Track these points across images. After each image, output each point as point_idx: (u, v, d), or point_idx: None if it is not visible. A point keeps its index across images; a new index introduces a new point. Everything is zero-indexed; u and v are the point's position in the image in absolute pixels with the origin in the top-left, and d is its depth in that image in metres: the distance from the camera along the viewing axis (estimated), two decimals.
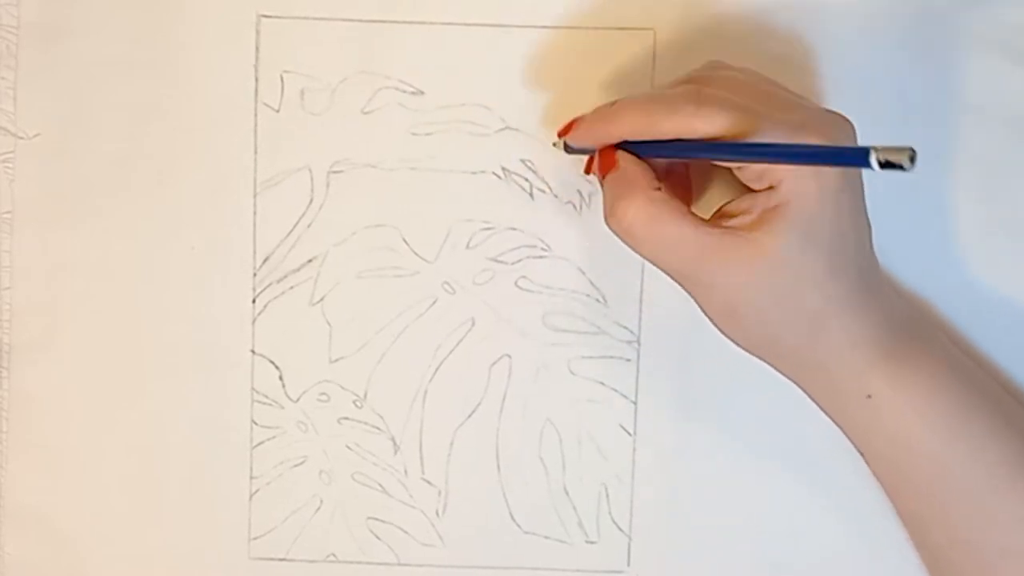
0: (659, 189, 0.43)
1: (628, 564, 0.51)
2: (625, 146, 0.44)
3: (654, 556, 0.51)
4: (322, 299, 0.51)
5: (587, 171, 0.48)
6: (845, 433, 0.47)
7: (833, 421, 0.47)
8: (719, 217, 0.44)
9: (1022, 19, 0.49)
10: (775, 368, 0.46)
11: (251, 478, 0.51)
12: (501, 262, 0.50)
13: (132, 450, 0.52)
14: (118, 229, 0.51)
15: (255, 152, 0.51)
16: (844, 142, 0.43)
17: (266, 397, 0.51)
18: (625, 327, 0.50)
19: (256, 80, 0.50)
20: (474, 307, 0.51)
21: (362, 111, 0.50)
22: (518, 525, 0.51)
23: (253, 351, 0.51)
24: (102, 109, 0.50)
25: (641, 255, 0.44)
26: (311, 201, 0.51)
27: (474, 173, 0.50)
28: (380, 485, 0.52)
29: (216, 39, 0.50)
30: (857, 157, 0.37)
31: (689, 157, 0.45)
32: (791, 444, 0.51)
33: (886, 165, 0.36)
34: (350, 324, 0.51)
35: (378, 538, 0.52)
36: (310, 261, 0.51)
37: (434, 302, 0.51)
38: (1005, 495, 0.45)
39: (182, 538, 0.52)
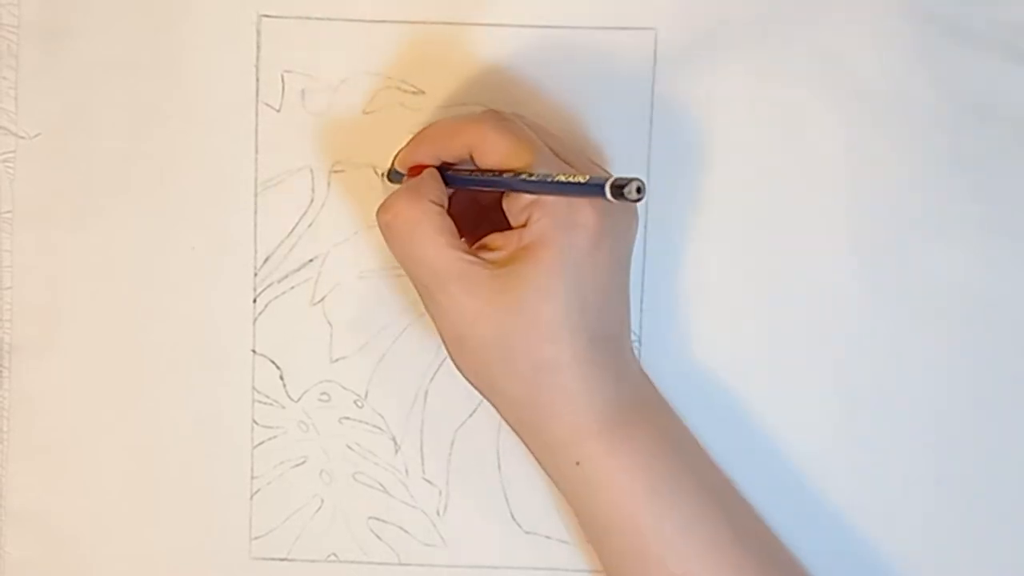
0: (437, 204, 0.44)
1: None
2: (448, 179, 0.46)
3: None
4: (323, 299, 0.51)
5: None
6: (561, 492, 0.46)
7: (550, 479, 0.46)
8: (479, 248, 0.44)
9: (1022, 19, 0.49)
10: (498, 411, 0.46)
11: (252, 478, 0.51)
12: None
13: (132, 450, 0.52)
14: (118, 229, 0.51)
15: (256, 152, 0.51)
16: (619, 221, 0.44)
17: (267, 397, 0.51)
18: None
19: (257, 80, 0.50)
20: None
21: (363, 111, 0.50)
22: (518, 525, 0.51)
23: (254, 351, 0.51)
24: (103, 109, 0.50)
25: (395, 256, 0.44)
26: (312, 201, 0.51)
27: None
28: (381, 485, 0.52)
29: (217, 39, 0.50)
30: (593, 187, 0.39)
31: (469, 186, 0.45)
32: (791, 444, 0.51)
33: (616, 194, 0.38)
34: (351, 324, 0.51)
35: (379, 538, 0.52)
36: (311, 261, 0.51)
37: None
38: (706, 574, 0.44)
39: (182, 538, 0.52)
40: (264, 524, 0.52)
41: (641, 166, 0.50)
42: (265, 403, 0.51)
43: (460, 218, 0.45)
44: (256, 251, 0.51)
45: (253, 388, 0.51)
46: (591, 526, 0.46)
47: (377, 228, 0.50)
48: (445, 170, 0.46)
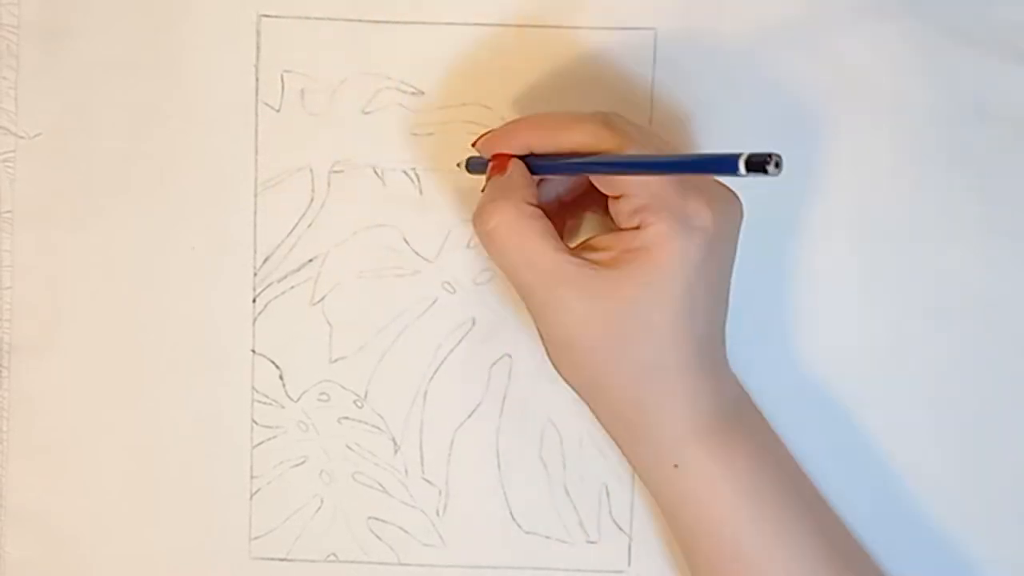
0: (534, 204, 0.43)
1: (629, 564, 0.51)
2: (535, 165, 0.45)
3: (655, 556, 0.51)
4: (323, 299, 0.51)
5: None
6: (652, 495, 0.46)
7: (643, 482, 0.46)
8: (582, 248, 0.44)
9: (1022, 19, 0.49)
10: (595, 413, 0.45)
11: (251, 478, 0.51)
12: None
13: (132, 450, 0.52)
14: (118, 229, 0.51)
15: (256, 152, 0.51)
16: (730, 220, 0.44)
17: (266, 397, 0.51)
18: None
19: (257, 80, 0.50)
20: (474, 307, 0.51)
21: (363, 111, 0.50)
22: (518, 525, 0.51)
23: (253, 351, 0.51)
24: (103, 109, 0.50)
25: (496, 263, 0.43)
26: (312, 201, 0.51)
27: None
28: (380, 485, 0.52)
29: (217, 39, 0.50)
30: (727, 163, 0.36)
31: (569, 172, 0.45)
32: (791, 444, 0.51)
33: (751, 168, 0.35)
34: (350, 324, 0.51)
35: (379, 538, 0.52)
36: (311, 261, 0.51)
37: (434, 302, 0.51)
38: None
39: (182, 538, 0.52)
40: (264, 524, 0.52)
41: None
42: (265, 403, 0.51)
43: (549, 208, 0.44)
44: (256, 251, 0.51)
45: (253, 388, 0.51)
46: (685, 530, 0.46)
47: (376, 228, 0.51)
48: (534, 159, 0.45)
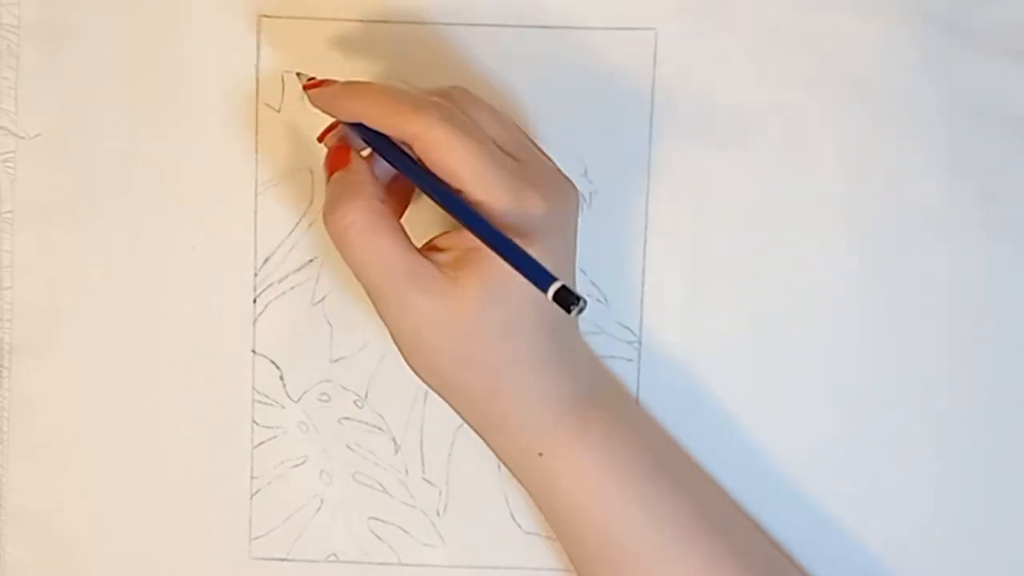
0: (382, 201, 0.43)
1: None
2: (366, 135, 0.44)
3: None
4: (323, 299, 0.51)
5: (320, 139, 0.47)
6: (522, 485, 0.46)
7: (512, 473, 0.46)
8: (428, 249, 0.44)
9: (1022, 19, 0.49)
10: (454, 409, 0.45)
11: (252, 478, 0.51)
12: None
13: (132, 450, 0.52)
14: (118, 229, 0.51)
15: (256, 152, 0.51)
16: (566, 207, 0.44)
17: (267, 397, 0.51)
18: (626, 327, 0.50)
19: (257, 80, 0.50)
20: None
21: None
22: (518, 525, 0.51)
23: (254, 351, 0.51)
24: (103, 109, 0.50)
25: (347, 261, 0.43)
26: (312, 201, 0.51)
27: None
28: (381, 485, 0.52)
29: (217, 39, 0.50)
30: (541, 279, 0.39)
31: (410, 178, 0.44)
32: (790, 444, 0.51)
33: (558, 300, 0.38)
34: (351, 324, 0.51)
35: (379, 538, 0.52)
36: (311, 261, 0.51)
37: None
38: (676, 560, 0.44)
39: (182, 538, 0.52)
40: (264, 524, 0.52)
41: (641, 166, 0.50)
42: (265, 403, 0.51)
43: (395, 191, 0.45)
44: (256, 251, 0.51)
45: (253, 388, 0.51)
46: (556, 518, 0.46)
47: None
48: (365, 131, 0.44)
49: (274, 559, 0.52)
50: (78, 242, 0.51)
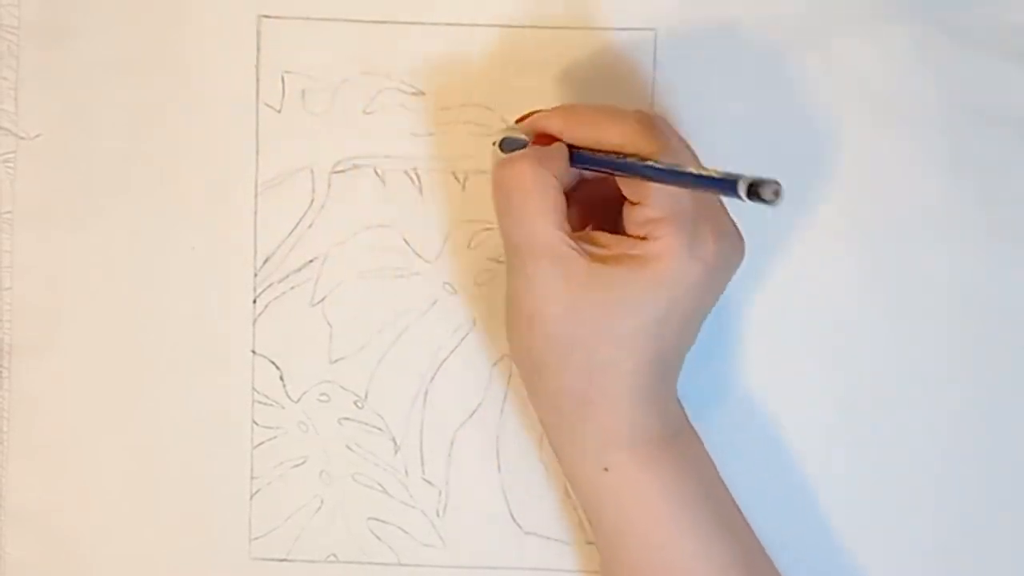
0: (561, 185, 0.43)
1: None
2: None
3: None
4: (323, 299, 0.51)
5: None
6: (575, 495, 0.46)
7: (568, 483, 0.47)
8: (580, 237, 0.44)
9: (1022, 19, 0.49)
10: (534, 398, 0.46)
11: (251, 478, 0.51)
12: (502, 262, 0.50)
13: (132, 450, 0.51)
14: (118, 229, 0.51)
15: (256, 152, 0.51)
16: (732, 256, 0.45)
17: (267, 397, 0.51)
18: None
19: (257, 80, 0.50)
20: (475, 307, 0.51)
21: (363, 111, 0.50)
22: (518, 525, 0.51)
23: (254, 351, 0.51)
24: (103, 109, 0.50)
25: (497, 214, 0.44)
26: (312, 201, 0.51)
27: (475, 173, 0.50)
28: (380, 485, 0.51)
29: (217, 40, 0.50)
30: (726, 184, 0.38)
31: (594, 168, 0.45)
32: (790, 444, 0.51)
33: (751, 195, 0.37)
34: (351, 324, 0.51)
35: (378, 538, 0.52)
36: (311, 261, 0.51)
37: (435, 302, 0.51)
38: None
39: (182, 538, 0.52)
40: (264, 524, 0.52)
41: None
42: (265, 403, 0.51)
43: (570, 204, 0.45)
44: (256, 251, 0.51)
45: (253, 388, 0.51)
46: (605, 534, 0.46)
47: (376, 228, 0.50)
48: (572, 149, 0.45)
49: (274, 559, 0.52)
50: (78, 242, 0.51)
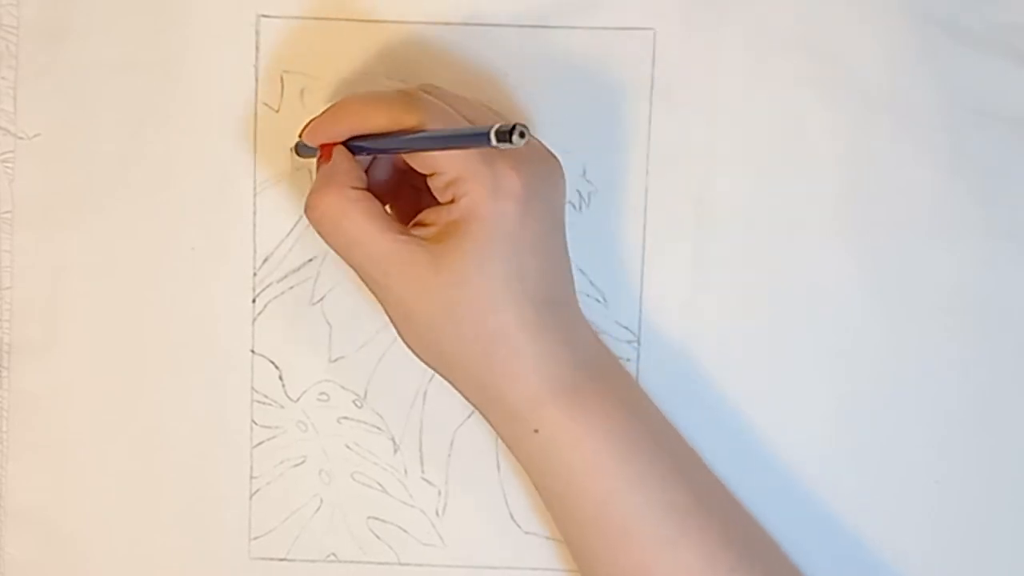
0: (359, 188, 0.44)
1: None
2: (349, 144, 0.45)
3: None
4: (322, 299, 0.51)
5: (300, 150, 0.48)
6: (519, 463, 0.47)
7: (509, 450, 0.47)
8: (414, 226, 0.45)
9: (1022, 19, 0.49)
10: (454, 387, 0.46)
11: (251, 478, 0.51)
12: None
13: (132, 450, 0.52)
14: (118, 229, 0.51)
15: (255, 152, 0.51)
16: (547, 180, 0.45)
17: (266, 397, 0.51)
18: (625, 327, 0.50)
19: (256, 80, 0.50)
20: None
21: None
22: (518, 525, 0.51)
23: (253, 351, 0.51)
24: (102, 109, 0.50)
25: (332, 248, 0.44)
26: None
27: None
28: (380, 485, 0.52)
29: (216, 39, 0.50)
30: (478, 137, 0.39)
31: (370, 152, 0.45)
32: (790, 444, 0.51)
33: (500, 139, 0.38)
34: (350, 324, 0.51)
35: (378, 538, 0.52)
36: (310, 261, 0.51)
37: None
38: (671, 543, 0.44)
39: (182, 538, 0.52)
40: (263, 524, 0.52)
41: (641, 166, 0.50)
42: (264, 403, 0.51)
43: (385, 189, 0.46)
44: (255, 251, 0.51)
45: (252, 388, 0.51)
46: (550, 494, 0.46)
47: None
48: (351, 142, 0.45)
49: (274, 559, 0.52)
50: (78, 242, 0.51)
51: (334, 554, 0.52)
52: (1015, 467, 0.50)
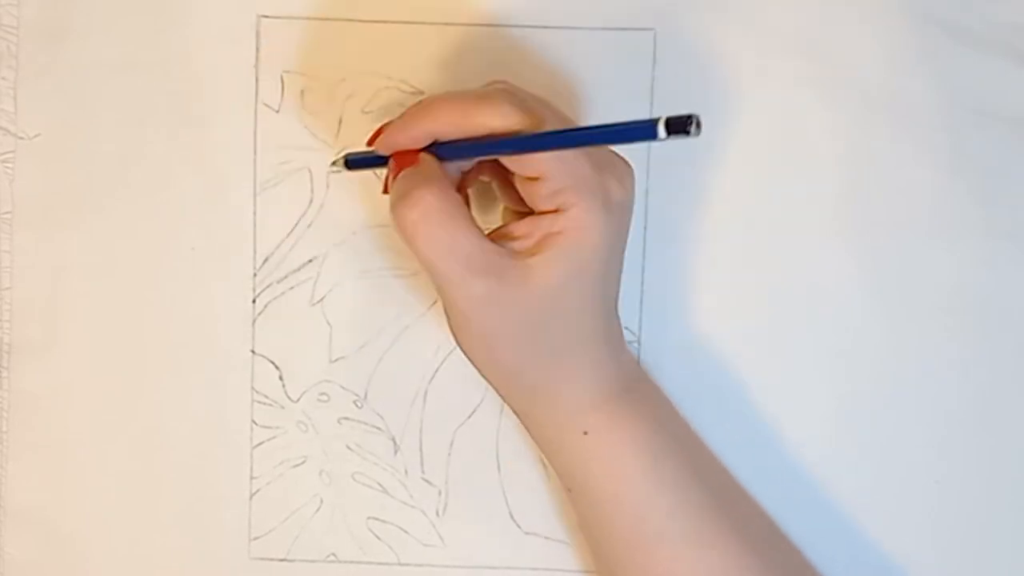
0: (454, 192, 0.42)
1: None
2: (440, 150, 0.43)
3: None
4: (322, 299, 0.51)
5: (369, 144, 0.45)
6: (555, 470, 0.47)
7: (545, 456, 0.47)
8: (500, 236, 0.43)
9: (1022, 19, 0.49)
10: (491, 384, 0.45)
11: (251, 478, 0.51)
12: None
13: (132, 450, 0.52)
14: (118, 229, 0.51)
15: (255, 152, 0.51)
16: (633, 188, 0.44)
17: (266, 397, 0.51)
18: (626, 327, 0.50)
19: (256, 80, 0.50)
20: None
21: (362, 111, 0.50)
22: (518, 525, 0.51)
23: (253, 351, 0.51)
24: (102, 109, 0.50)
25: (419, 253, 0.42)
26: (311, 201, 0.51)
27: None
28: (380, 485, 0.52)
29: (216, 40, 0.50)
30: (646, 128, 0.36)
31: (489, 154, 0.43)
32: (792, 444, 0.51)
33: (672, 131, 0.35)
34: (350, 324, 0.51)
35: (378, 538, 0.52)
36: (310, 261, 0.51)
37: (434, 302, 0.51)
38: (697, 547, 0.45)
39: (182, 538, 0.52)
40: (263, 524, 0.52)
41: (641, 166, 0.50)
42: (264, 403, 0.51)
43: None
44: (256, 251, 0.51)
45: (252, 388, 0.51)
46: (590, 498, 0.46)
47: (376, 228, 0.50)
48: (439, 147, 0.43)
49: (273, 559, 0.52)
50: (78, 242, 0.51)
51: (334, 554, 0.52)
52: (1015, 467, 0.50)
